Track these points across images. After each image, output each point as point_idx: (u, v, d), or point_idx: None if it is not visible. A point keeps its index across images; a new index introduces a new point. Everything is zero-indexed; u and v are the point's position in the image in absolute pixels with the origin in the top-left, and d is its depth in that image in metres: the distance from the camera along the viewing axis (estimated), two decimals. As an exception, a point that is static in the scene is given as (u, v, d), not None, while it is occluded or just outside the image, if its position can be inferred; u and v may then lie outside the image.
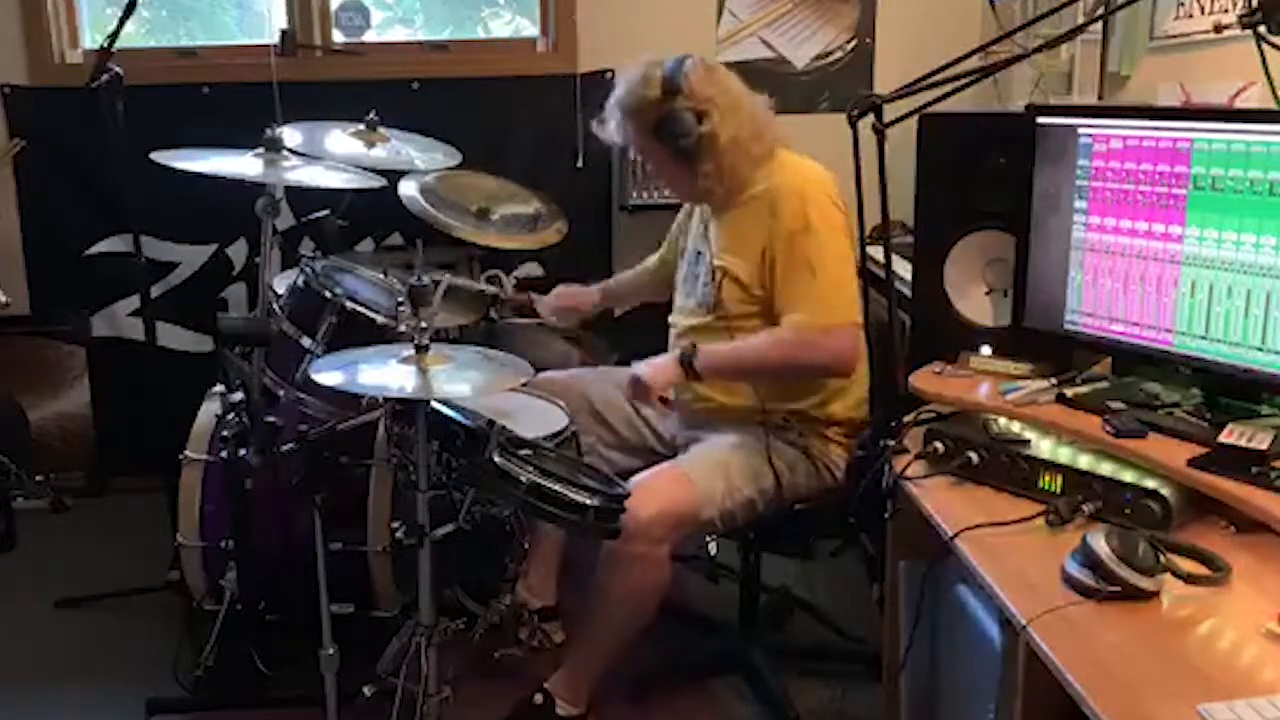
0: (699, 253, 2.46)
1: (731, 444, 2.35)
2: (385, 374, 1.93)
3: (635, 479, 2.24)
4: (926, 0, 3.58)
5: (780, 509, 2.36)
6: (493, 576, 2.52)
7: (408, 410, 2.07)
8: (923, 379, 2.00)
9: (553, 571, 2.71)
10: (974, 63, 1.79)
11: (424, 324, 1.92)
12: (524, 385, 2.40)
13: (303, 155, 2.61)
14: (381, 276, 2.63)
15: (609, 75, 3.56)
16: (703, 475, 2.28)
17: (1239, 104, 2.18)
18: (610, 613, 2.29)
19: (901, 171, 1.89)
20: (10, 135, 3.52)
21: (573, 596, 2.65)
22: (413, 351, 1.91)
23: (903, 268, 2.29)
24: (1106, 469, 1.64)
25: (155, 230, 3.49)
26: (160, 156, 2.44)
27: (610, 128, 2.42)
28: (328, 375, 1.93)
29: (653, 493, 2.18)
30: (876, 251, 1.88)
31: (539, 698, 2.31)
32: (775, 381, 2.35)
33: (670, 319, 2.55)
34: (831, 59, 3.64)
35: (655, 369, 2.31)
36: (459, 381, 1.94)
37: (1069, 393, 1.83)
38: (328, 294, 2.40)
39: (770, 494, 2.33)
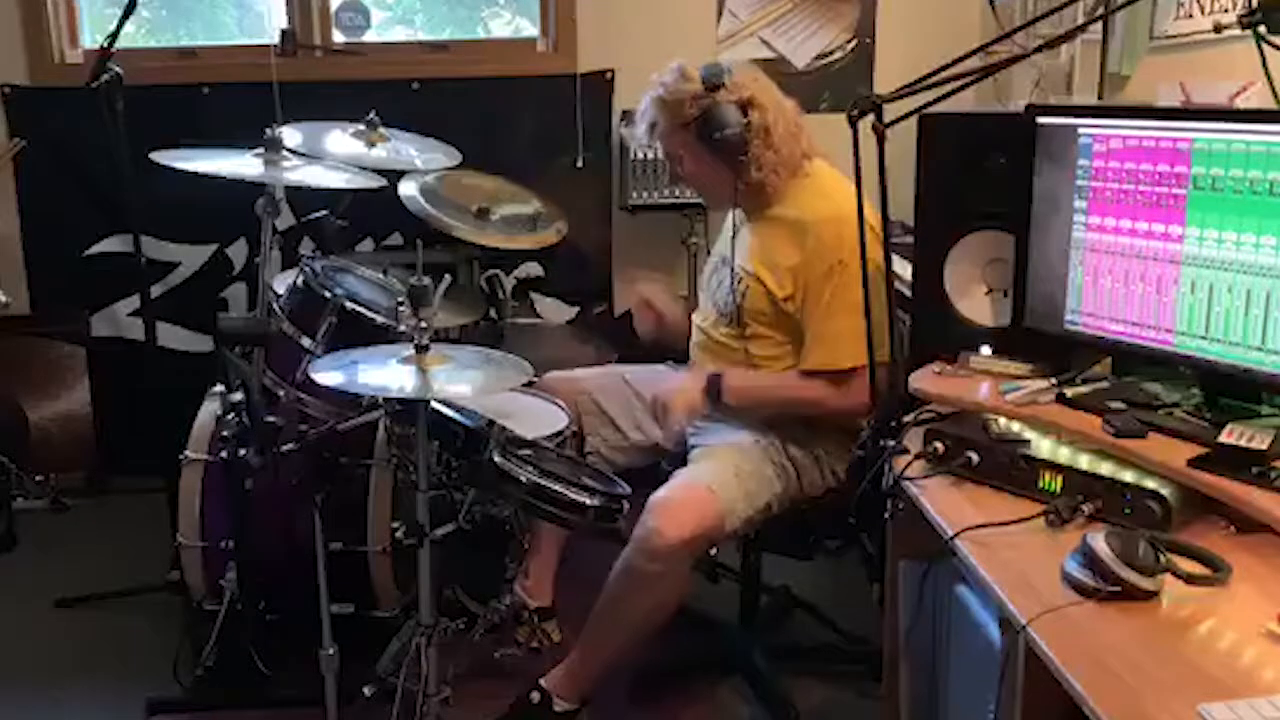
0: (724, 258, 2.45)
1: (742, 448, 2.35)
2: (385, 374, 1.93)
3: (658, 496, 2.22)
4: (926, 0, 3.58)
5: (791, 509, 2.36)
6: (493, 576, 2.52)
7: (408, 410, 2.07)
8: (923, 379, 2.00)
9: (551, 571, 2.70)
10: (974, 63, 1.78)
11: (424, 324, 1.91)
12: (529, 385, 2.42)
13: (303, 155, 2.61)
14: (381, 276, 2.63)
15: (609, 75, 3.57)
16: (723, 487, 2.25)
17: (1239, 104, 2.18)
18: (624, 624, 2.27)
19: (901, 171, 1.89)
20: (10, 135, 3.52)
21: (571, 596, 2.65)
22: (412, 351, 1.91)
23: (903, 268, 2.29)
24: (1106, 469, 1.64)
25: (155, 230, 3.49)
26: (160, 156, 2.44)
27: (641, 129, 2.41)
28: (327, 375, 1.93)
29: (681, 513, 2.17)
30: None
31: (535, 695, 2.31)
32: (794, 418, 2.37)
33: (693, 317, 2.56)
34: (831, 59, 3.64)
35: (681, 396, 2.32)
36: (459, 381, 1.94)
37: (1069, 393, 1.83)
38: (328, 294, 2.40)
39: (782, 497, 2.33)
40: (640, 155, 3.44)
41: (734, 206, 2.45)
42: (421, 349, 1.90)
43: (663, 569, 2.18)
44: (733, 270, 2.39)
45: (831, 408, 2.30)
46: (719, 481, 2.26)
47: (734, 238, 2.44)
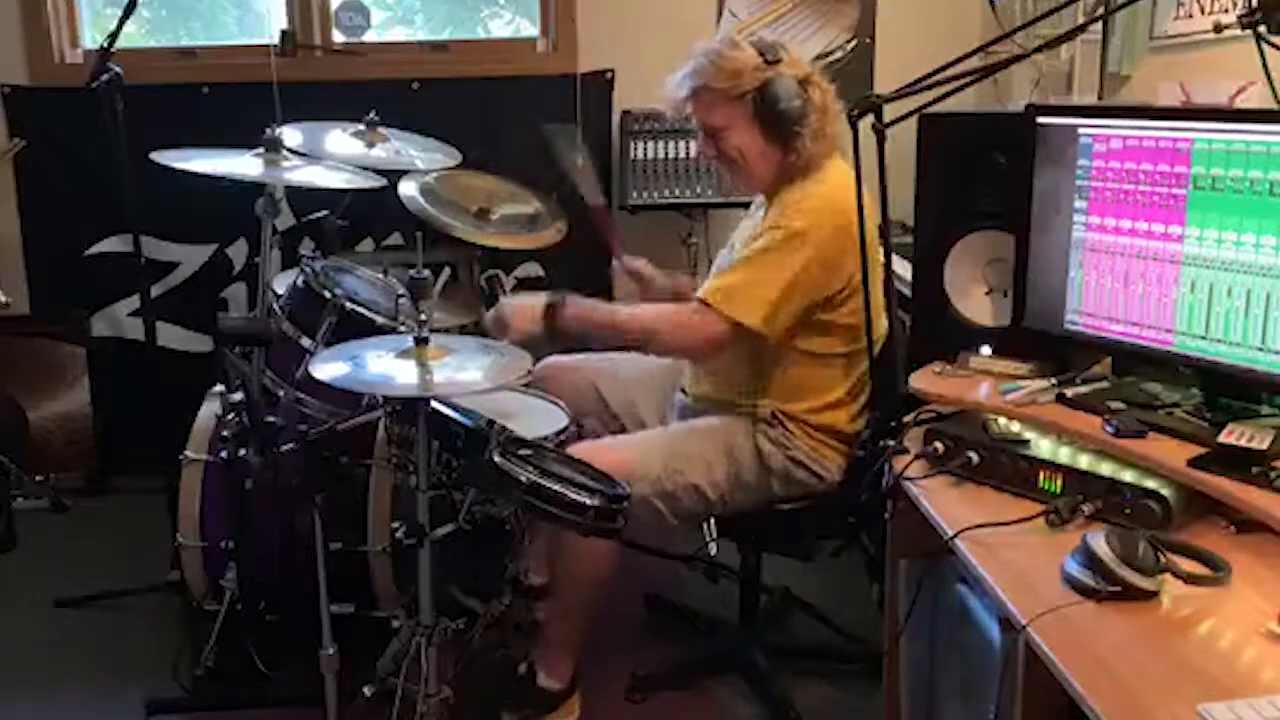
0: (731, 245, 2.44)
1: (694, 428, 2.35)
2: (384, 366, 1.91)
3: (574, 446, 2.26)
4: (926, 0, 3.58)
5: (753, 504, 2.34)
6: (493, 576, 2.52)
7: (407, 407, 2.06)
8: (923, 379, 2.00)
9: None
10: (974, 63, 1.79)
11: (423, 316, 1.90)
12: (530, 373, 2.42)
13: (303, 155, 2.61)
14: (381, 276, 2.63)
15: (609, 75, 3.57)
16: (641, 451, 2.27)
17: (1239, 104, 2.18)
18: (562, 585, 2.34)
19: (901, 171, 1.89)
20: (10, 135, 3.53)
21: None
22: (411, 344, 1.90)
23: (903, 268, 2.29)
24: (1106, 469, 1.64)
25: (155, 230, 3.49)
26: (160, 156, 2.45)
27: (681, 96, 2.28)
28: (326, 368, 1.91)
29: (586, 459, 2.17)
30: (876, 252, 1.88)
31: (523, 668, 2.34)
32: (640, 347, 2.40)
33: None
34: (831, 59, 3.64)
35: (520, 311, 2.31)
36: (461, 374, 1.92)
37: (1069, 393, 1.83)
38: (328, 294, 2.40)
39: (723, 486, 2.29)
40: (640, 155, 3.44)
41: (767, 190, 2.35)
42: (421, 341, 1.89)
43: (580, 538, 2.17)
44: (731, 249, 2.39)
45: (669, 338, 2.29)
46: (639, 443, 2.30)
47: (748, 223, 2.43)
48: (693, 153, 3.39)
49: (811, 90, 2.23)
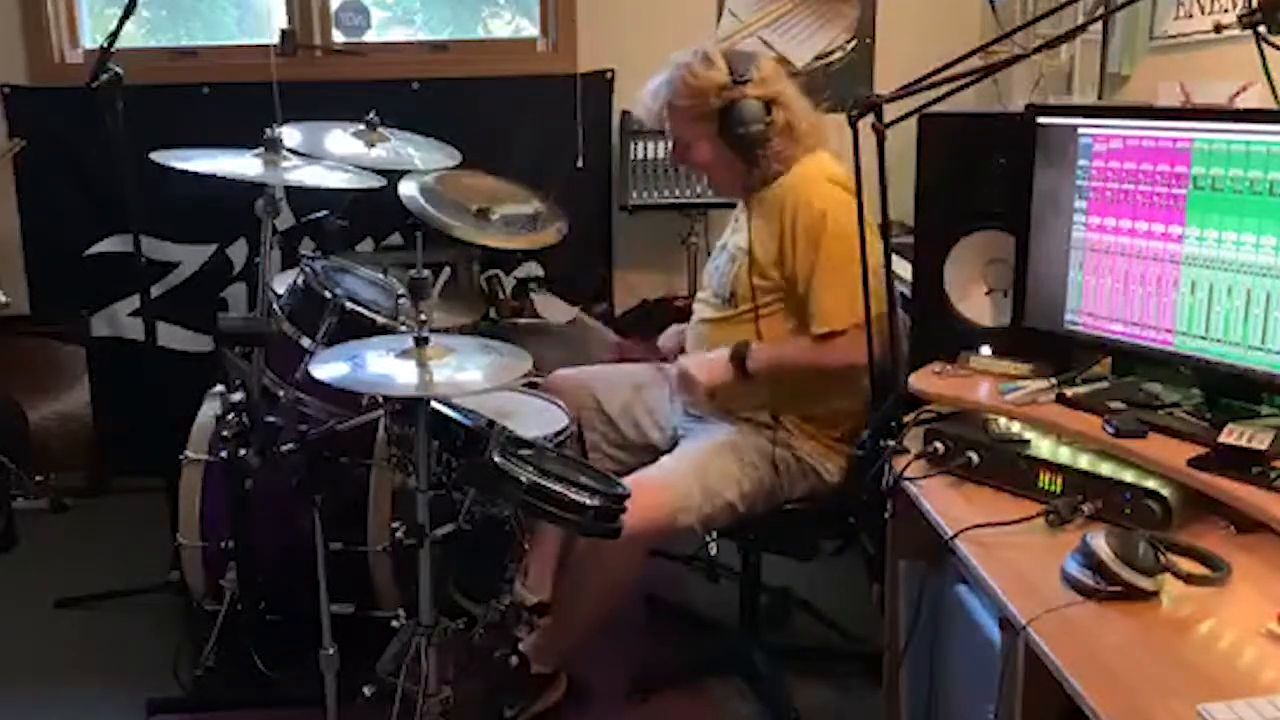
0: (724, 245, 2.46)
1: (714, 444, 2.35)
2: (384, 367, 1.91)
3: None
4: (926, 0, 3.58)
5: (768, 509, 2.35)
6: (492, 576, 2.52)
7: (407, 407, 2.06)
8: (923, 379, 2.00)
9: (550, 568, 2.70)
10: (974, 63, 1.79)
11: (423, 316, 1.90)
12: (532, 385, 2.41)
13: (303, 155, 2.61)
14: (381, 276, 2.63)
15: (609, 75, 3.57)
16: (680, 482, 2.27)
17: (1239, 104, 2.18)
18: (583, 601, 2.35)
19: (901, 171, 1.89)
20: (10, 135, 3.52)
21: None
22: (411, 345, 1.90)
23: (903, 268, 2.29)
24: (1106, 469, 1.64)
25: (155, 230, 3.49)
26: (160, 156, 2.44)
27: (655, 107, 2.35)
28: (326, 369, 1.91)
29: (632, 505, 2.16)
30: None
31: (514, 659, 2.35)
32: (811, 381, 2.36)
33: (694, 306, 2.56)
34: (831, 59, 3.64)
35: (706, 366, 2.32)
36: (462, 374, 1.92)
37: (1069, 393, 1.83)
38: (328, 294, 2.40)
39: (751, 496, 2.32)
40: (640, 155, 3.44)
41: (741, 198, 2.42)
42: (421, 341, 1.89)
43: (613, 556, 2.23)
44: (728, 251, 2.41)
45: (837, 367, 2.29)
46: (675, 474, 2.29)
47: (738, 224, 2.44)
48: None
49: (776, 112, 2.28)
